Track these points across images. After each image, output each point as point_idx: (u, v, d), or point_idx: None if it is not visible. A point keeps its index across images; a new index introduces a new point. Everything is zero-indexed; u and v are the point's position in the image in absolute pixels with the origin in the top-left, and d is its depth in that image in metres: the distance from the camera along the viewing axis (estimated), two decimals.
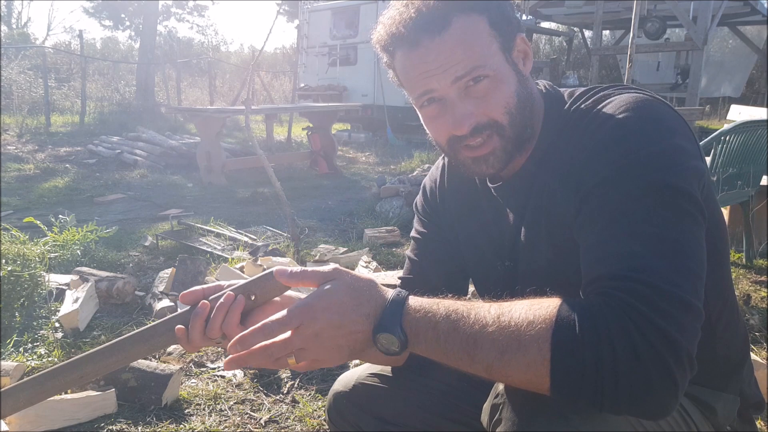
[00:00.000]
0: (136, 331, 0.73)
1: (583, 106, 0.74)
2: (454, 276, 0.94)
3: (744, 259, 2.87)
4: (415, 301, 0.63)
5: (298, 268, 0.67)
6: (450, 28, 0.69)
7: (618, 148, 0.65)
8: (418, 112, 0.78)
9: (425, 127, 0.79)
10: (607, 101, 0.71)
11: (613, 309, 0.55)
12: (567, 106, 0.77)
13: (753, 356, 1.73)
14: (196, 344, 0.70)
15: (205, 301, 0.71)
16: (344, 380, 0.95)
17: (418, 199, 0.98)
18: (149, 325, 0.73)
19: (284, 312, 0.62)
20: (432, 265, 0.93)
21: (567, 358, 0.55)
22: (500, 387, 0.65)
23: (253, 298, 0.71)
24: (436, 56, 0.70)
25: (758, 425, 1.51)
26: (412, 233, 0.98)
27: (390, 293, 0.65)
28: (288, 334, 0.62)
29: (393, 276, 2.11)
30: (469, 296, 0.87)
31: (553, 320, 0.56)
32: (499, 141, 0.74)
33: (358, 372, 0.95)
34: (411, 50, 0.71)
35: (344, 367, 1.92)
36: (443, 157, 0.93)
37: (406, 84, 0.76)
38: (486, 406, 0.66)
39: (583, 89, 0.78)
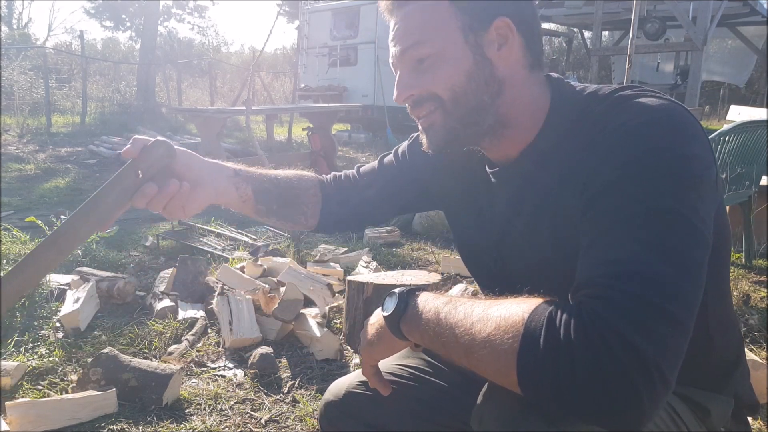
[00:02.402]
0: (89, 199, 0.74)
1: (598, 107, 0.71)
2: (387, 207, 1.01)
3: (744, 259, 2.88)
4: (428, 292, 0.73)
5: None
6: (409, 4, 0.74)
7: (630, 153, 0.63)
8: None
9: None
10: (625, 104, 0.69)
11: (581, 317, 0.54)
12: (582, 104, 0.74)
13: (753, 356, 1.74)
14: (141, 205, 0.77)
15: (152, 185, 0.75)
16: (335, 389, 0.95)
17: (404, 145, 1.00)
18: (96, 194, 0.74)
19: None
20: (380, 188, 0.99)
21: (530, 361, 0.55)
22: (486, 388, 0.66)
23: (140, 174, 0.76)
24: (394, 27, 0.76)
25: (758, 425, 1.52)
26: (392, 152, 1.02)
27: None
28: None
29: (393, 276, 2.12)
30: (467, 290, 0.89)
31: (524, 321, 0.56)
32: (441, 116, 0.75)
33: (348, 380, 0.95)
34: (388, 17, 0.77)
35: (344, 368, 1.92)
36: None
37: None
38: (474, 410, 0.67)
39: (596, 87, 0.75)
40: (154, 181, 0.76)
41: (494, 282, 0.78)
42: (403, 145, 1.01)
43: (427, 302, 0.69)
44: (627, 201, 0.61)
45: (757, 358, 1.72)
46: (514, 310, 0.58)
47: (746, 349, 1.77)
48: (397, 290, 0.74)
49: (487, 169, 0.84)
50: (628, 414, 0.52)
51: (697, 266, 0.59)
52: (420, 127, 0.80)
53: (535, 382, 0.55)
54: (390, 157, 1.02)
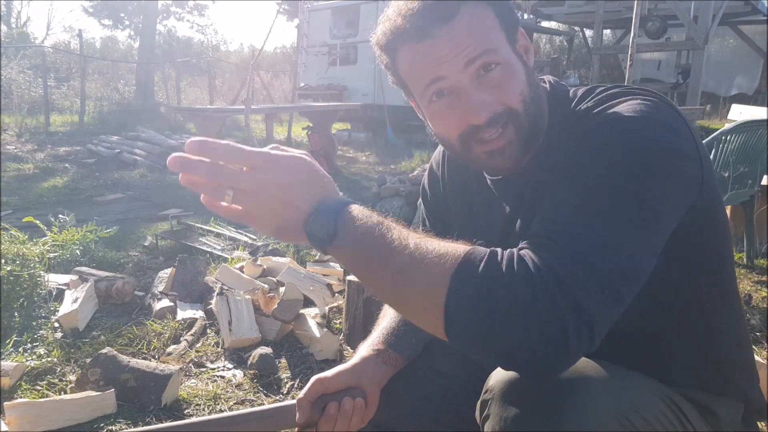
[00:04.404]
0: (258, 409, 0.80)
1: (585, 106, 0.73)
2: None
3: (745, 259, 2.87)
4: (359, 206, 0.64)
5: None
6: (459, 16, 0.68)
7: (600, 137, 0.65)
8: (426, 110, 0.75)
9: (432, 125, 0.77)
10: (609, 102, 0.70)
11: (524, 259, 0.56)
12: (573, 105, 0.75)
13: (754, 356, 1.73)
14: None
15: (335, 403, 0.80)
16: None
17: (424, 180, 0.99)
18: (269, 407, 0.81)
19: (252, 149, 0.64)
20: None
21: (462, 292, 0.55)
22: (491, 382, 0.65)
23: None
24: (447, 43, 0.68)
25: (758, 424, 1.51)
26: (420, 211, 1.01)
27: (340, 194, 0.66)
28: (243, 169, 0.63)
29: None
30: None
31: (464, 252, 0.57)
32: (515, 131, 0.72)
33: None
34: (418, 42, 0.70)
35: None
36: None
37: (412, 79, 0.74)
38: (479, 403, 0.66)
39: (588, 87, 0.77)
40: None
41: None
42: (422, 207, 1.00)
43: (358, 220, 0.62)
44: (587, 176, 0.62)
45: (758, 358, 1.71)
46: (453, 245, 0.59)
47: None
48: (328, 204, 0.63)
49: (487, 176, 0.83)
50: (551, 353, 0.52)
51: (644, 244, 0.59)
52: (487, 149, 0.73)
53: (464, 306, 0.54)
54: (424, 222, 1.00)
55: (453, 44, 0.68)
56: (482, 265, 0.55)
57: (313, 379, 0.83)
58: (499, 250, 0.57)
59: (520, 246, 0.59)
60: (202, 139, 0.64)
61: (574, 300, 0.52)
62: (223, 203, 0.64)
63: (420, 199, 1.02)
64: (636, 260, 0.58)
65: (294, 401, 0.80)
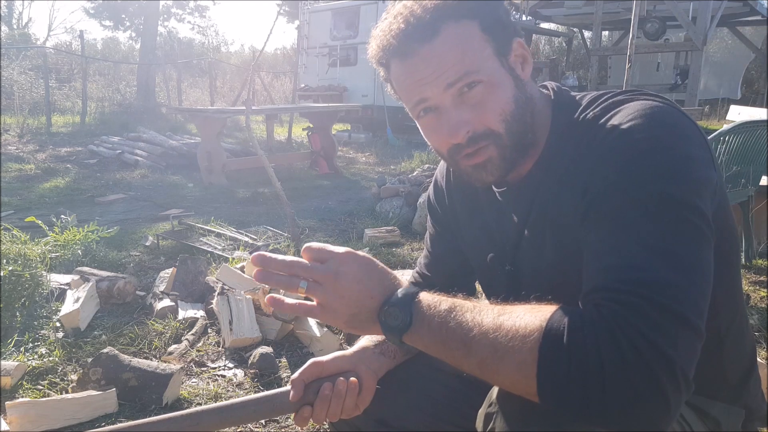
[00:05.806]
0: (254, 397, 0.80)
1: (592, 113, 0.72)
2: (459, 276, 0.96)
3: (743, 259, 2.88)
4: (426, 293, 0.68)
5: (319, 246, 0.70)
6: (440, 36, 0.69)
7: (627, 155, 0.64)
8: (416, 122, 0.78)
9: (425, 138, 0.78)
10: (618, 108, 0.70)
11: (605, 320, 0.55)
12: (578, 112, 0.75)
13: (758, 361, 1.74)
14: (319, 421, 0.79)
15: (329, 384, 0.79)
16: None
17: (430, 192, 0.99)
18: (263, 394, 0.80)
19: (326, 246, 0.69)
20: (438, 264, 0.99)
21: (553, 365, 0.55)
22: (494, 395, 0.65)
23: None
24: (428, 64, 0.70)
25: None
26: (427, 226, 1.02)
27: (407, 283, 0.72)
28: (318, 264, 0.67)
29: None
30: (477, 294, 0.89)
31: (543, 328, 0.56)
32: (496, 150, 0.73)
33: None
34: (403, 60, 0.72)
35: None
36: None
37: (402, 95, 0.76)
38: (480, 413, 0.66)
39: (595, 94, 0.76)
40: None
41: (506, 294, 0.77)
42: (428, 221, 1.01)
43: (430, 308, 0.65)
44: (630, 203, 0.61)
45: (757, 358, 1.72)
46: (530, 319, 0.58)
47: None
48: (400, 295, 0.67)
49: (494, 188, 0.84)
50: (654, 415, 0.53)
51: (706, 269, 0.60)
52: (471, 164, 0.75)
53: (558, 389, 0.54)
54: (431, 233, 1.01)
55: (433, 66, 0.70)
56: (566, 337, 0.55)
57: (309, 361, 0.82)
58: (578, 315, 0.56)
59: (593, 299, 0.58)
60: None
61: (667, 360, 0.53)
62: (288, 301, 0.69)
63: (422, 200, 1.03)
64: (704, 288, 0.59)
65: (289, 387, 0.80)
